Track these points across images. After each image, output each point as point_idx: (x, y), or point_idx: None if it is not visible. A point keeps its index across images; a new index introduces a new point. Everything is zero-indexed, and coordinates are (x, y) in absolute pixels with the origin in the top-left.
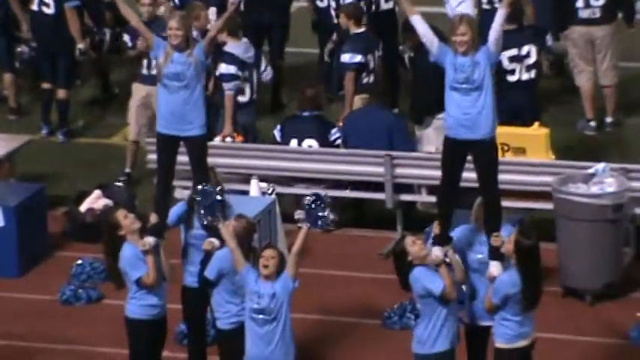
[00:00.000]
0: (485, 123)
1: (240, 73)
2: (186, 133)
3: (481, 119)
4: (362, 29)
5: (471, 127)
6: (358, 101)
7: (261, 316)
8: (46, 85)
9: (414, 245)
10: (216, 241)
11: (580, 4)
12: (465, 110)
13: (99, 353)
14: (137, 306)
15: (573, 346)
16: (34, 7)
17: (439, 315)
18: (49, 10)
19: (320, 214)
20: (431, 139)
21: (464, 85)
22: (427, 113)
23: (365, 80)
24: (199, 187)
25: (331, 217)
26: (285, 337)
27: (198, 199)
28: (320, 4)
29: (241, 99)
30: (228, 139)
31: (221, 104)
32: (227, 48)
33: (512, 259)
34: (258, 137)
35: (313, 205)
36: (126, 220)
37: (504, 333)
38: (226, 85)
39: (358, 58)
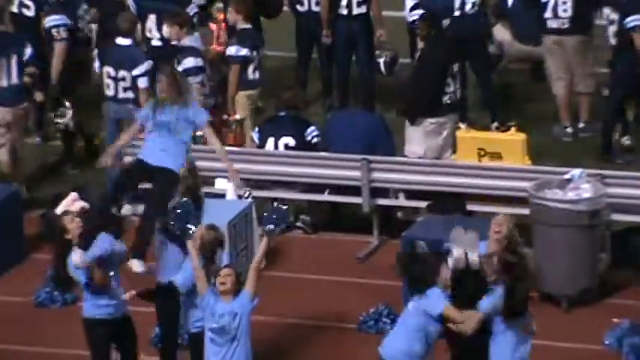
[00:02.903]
0: None
1: (206, 67)
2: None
3: None
4: (249, 25)
5: None
6: (243, 97)
7: (219, 336)
8: (38, 97)
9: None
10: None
11: (549, 14)
12: None
13: (73, 355)
14: (90, 305)
15: (549, 352)
16: (14, 9)
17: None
18: (30, 13)
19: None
20: (416, 139)
21: None
22: (421, 113)
23: (251, 77)
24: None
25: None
26: (243, 356)
27: (177, 210)
28: (300, 9)
29: (204, 92)
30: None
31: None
32: (187, 42)
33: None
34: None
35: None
36: (72, 224)
37: None
38: (193, 80)
39: (244, 51)
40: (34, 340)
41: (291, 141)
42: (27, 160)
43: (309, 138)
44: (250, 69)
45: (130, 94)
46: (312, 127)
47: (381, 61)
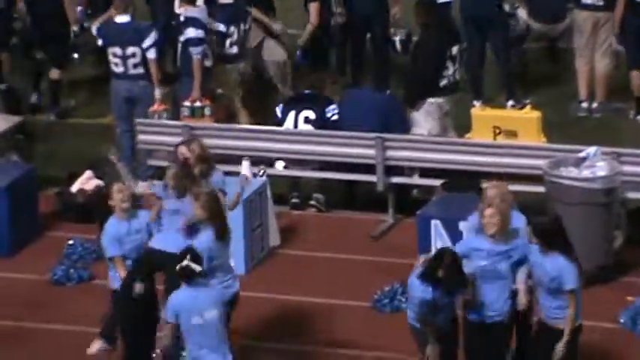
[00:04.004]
0: None
1: (206, 38)
2: None
3: None
4: (231, 0)
5: None
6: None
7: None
8: (54, 75)
9: None
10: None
11: None
12: None
13: (89, 333)
14: (117, 277)
15: None
16: None
17: None
18: None
19: None
20: (420, 122)
21: None
22: (420, 96)
23: (228, 51)
24: None
25: None
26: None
27: None
28: None
29: (207, 63)
30: (197, 102)
31: (184, 70)
32: (190, 13)
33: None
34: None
35: None
36: (119, 194)
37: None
38: (194, 50)
39: (221, 27)
40: (50, 317)
41: (311, 114)
42: (41, 138)
43: (329, 115)
44: (227, 43)
45: (141, 70)
46: (334, 106)
47: (397, 39)
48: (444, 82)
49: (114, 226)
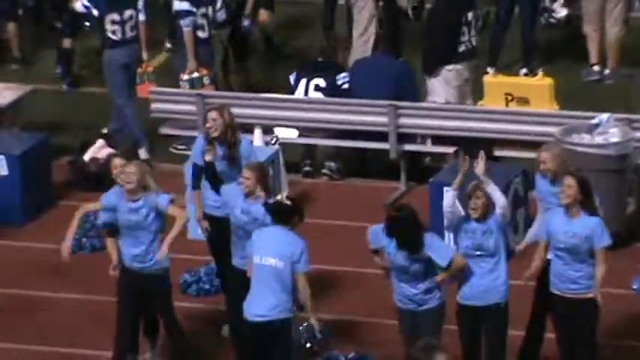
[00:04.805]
0: None
1: (194, 9)
2: None
3: None
4: None
5: None
6: None
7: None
8: (67, 43)
9: None
10: None
11: None
12: None
13: (102, 302)
14: None
15: None
16: None
17: None
18: None
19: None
20: (437, 90)
21: None
22: (438, 63)
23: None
24: None
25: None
26: None
27: None
28: None
29: (201, 34)
30: (195, 74)
31: (179, 42)
32: None
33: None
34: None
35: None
36: (114, 170)
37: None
38: (183, 22)
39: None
40: (63, 286)
41: (321, 82)
42: (54, 107)
43: (339, 82)
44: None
45: (135, 33)
46: (345, 74)
47: (409, 6)
48: (461, 48)
49: (108, 195)
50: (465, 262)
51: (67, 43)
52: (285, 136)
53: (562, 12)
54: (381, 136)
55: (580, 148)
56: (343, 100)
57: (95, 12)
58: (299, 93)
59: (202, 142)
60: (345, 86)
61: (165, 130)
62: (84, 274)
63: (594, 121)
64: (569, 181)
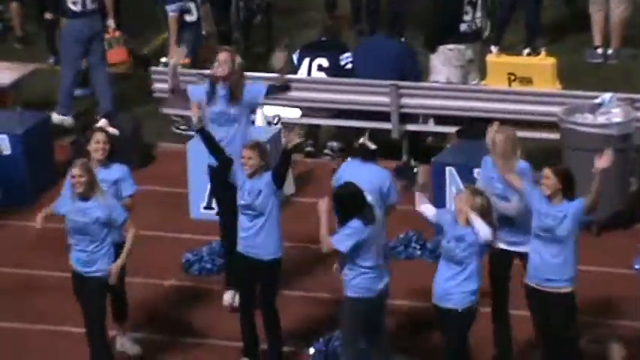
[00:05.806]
0: None
1: None
2: None
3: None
4: None
5: None
6: None
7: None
8: (48, 15)
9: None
10: None
11: None
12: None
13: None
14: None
15: (579, 276)
16: None
17: None
18: None
19: None
20: (438, 68)
21: None
22: (438, 40)
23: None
24: None
25: None
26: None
27: None
28: None
29: (189, 18)
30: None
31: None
32: None
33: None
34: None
35: None
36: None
37: None
38: (168, 8)
39: None
40: (65, 266)
41: (324, 62)
42: (56, 87)
43: (342, 62)
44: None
45: (97, 5)
46: (348, 54)
47: None
48: (463, 28)
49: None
50: None
51: (49, 15)
52: (287, 115)
53: None
54: (384, 116)
55: (582, 128)
56: (346, 80)
57: None
58: (302, 73)
59: (203, 88)
60: (349, 66)
61: (166, 110)
62: None
63: (597, 101)
64: (547, 172)
